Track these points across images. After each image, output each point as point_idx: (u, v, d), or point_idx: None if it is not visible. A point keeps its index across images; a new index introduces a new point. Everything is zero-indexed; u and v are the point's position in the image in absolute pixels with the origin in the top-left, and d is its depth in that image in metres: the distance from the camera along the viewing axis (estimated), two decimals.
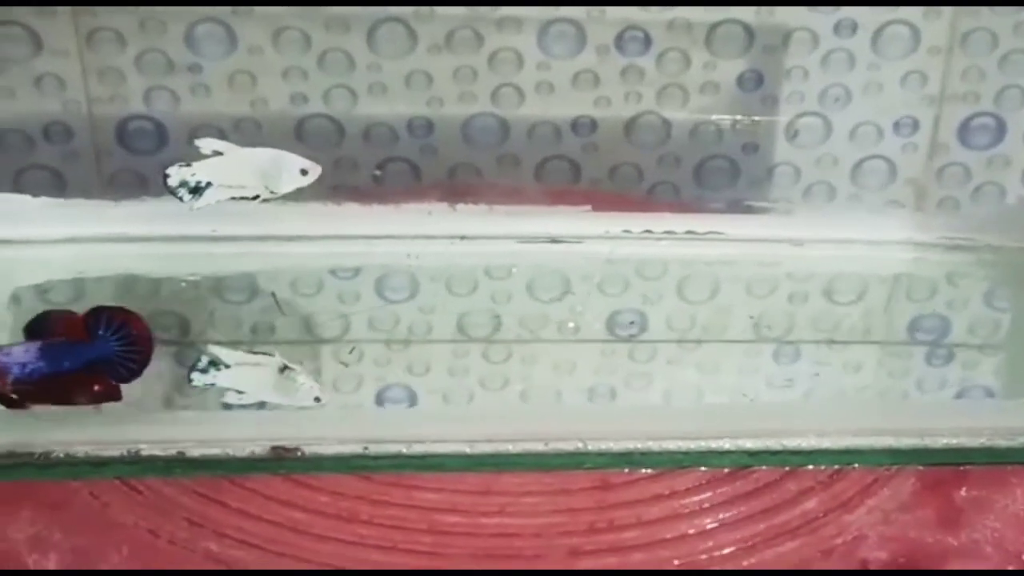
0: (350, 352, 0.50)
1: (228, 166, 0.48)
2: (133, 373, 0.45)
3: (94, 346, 0.44)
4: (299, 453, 0.39)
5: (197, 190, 0.48)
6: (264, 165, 0.48)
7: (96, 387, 0.44)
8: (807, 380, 0.70)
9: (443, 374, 0.70)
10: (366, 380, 0.70)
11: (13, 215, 0.48)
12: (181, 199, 0.47)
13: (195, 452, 0.37)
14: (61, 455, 0.36)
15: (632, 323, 0.58)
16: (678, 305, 0.68)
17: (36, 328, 0.44)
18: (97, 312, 0.44)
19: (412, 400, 0.70)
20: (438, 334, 0.69)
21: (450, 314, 0.68)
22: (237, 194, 0.48)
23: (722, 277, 0.61)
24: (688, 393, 0.69)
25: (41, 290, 0.51)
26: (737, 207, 0.61)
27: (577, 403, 0.55)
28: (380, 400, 0.70)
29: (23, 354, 0.42)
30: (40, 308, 0.48)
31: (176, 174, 0.48)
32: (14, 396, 0.42)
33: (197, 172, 0.48)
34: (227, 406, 0.49)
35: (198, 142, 0.48)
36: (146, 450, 0.37)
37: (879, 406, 0.51)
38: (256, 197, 0.48)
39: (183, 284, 0.54)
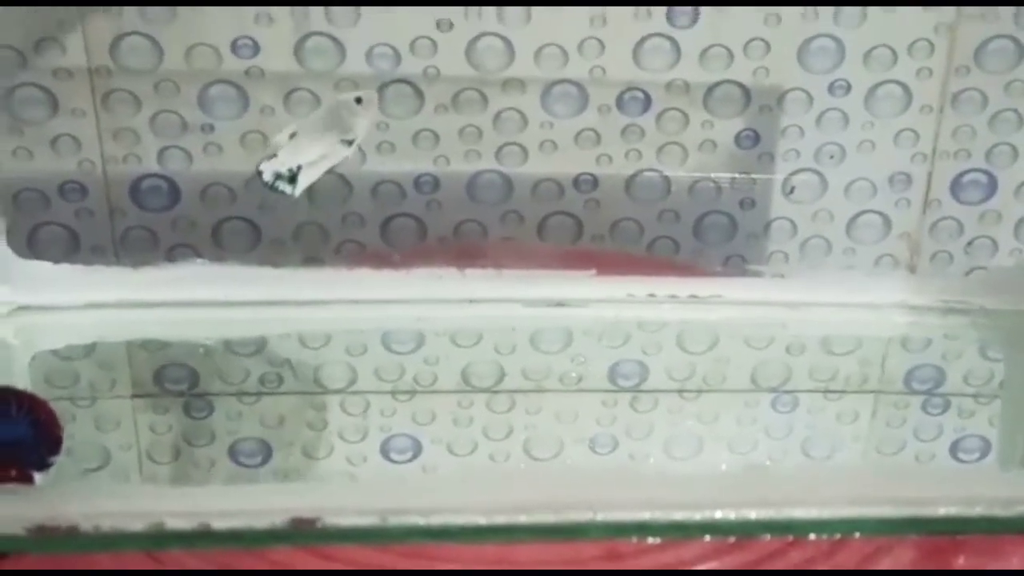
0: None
1: (305, 142, 0.49)
2: (42, 462, 0.43)
3: (6, 427, 0.42)
4: (318, 524, 0.40)
5: (293, 178, 0.49)
6: (327, 122, 0.49)
7: (12, 472, 0.41)
8: (804, 430, 0.71)
9: (448, 424, 0.71)
10: (371, 430, 0.71)
11: (34, 281, 0.49)
12: (283, 192, 0.48)
13: (219, 524, 0.38)
14: (89, 529, 0.37)
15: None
16: (678, 356, 0.70)
17: None
18: (6, 392, 0.43)
19: (417, 450, 0.71)
20: (443, 385, 0.70)
21: (454, 365, 0.70)
22: (326, 165, 0.49)
23: (721, 332, 0.63)
24: (689, 443, 0.71)
25: (61, 355, 0.52)
26: (738, 270, 0.63)
27: (584, 465, 0.57)
28: (385, 450, 0.71)
29: None
30: (59, 372, 0.49)
31: (268, 169, 0.49)
32: None
33: (284, 159, 0.48)
34: (243, 465, 0.50)
35: (276, 137, 0.49)
36: (171, 523, 0.38)
37: (878, 473, 0.53)
38: (344, 159, 0.49)
39: (201, 350, 0.56)
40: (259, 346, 0.62)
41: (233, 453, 0.69)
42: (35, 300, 0.46)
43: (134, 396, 0.60)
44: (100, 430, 0.60)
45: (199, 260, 0.57)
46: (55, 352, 0.53)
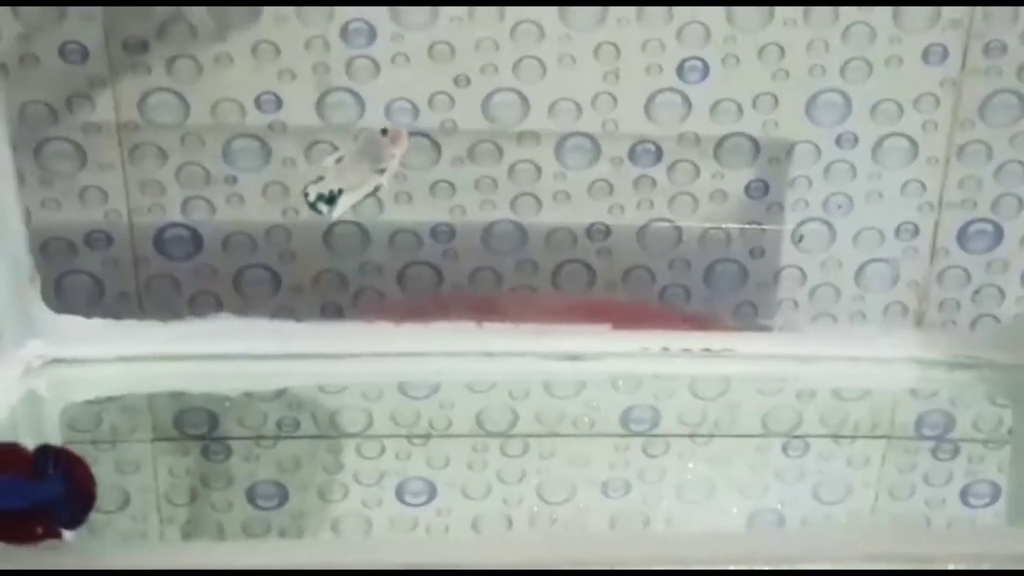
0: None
1: (347, 167, 0.51)
2: (75, 520, 0.44)
3: (43, 486, 0.43)
4: None
5: (332, 200, 0.51)
6: (364, 152, 0.52)
7: (39, 529, 0.42)
8: (815, 475, 0.72)
9: (462, 467, 0.72)
10: (388, 473, 0.72)
11: (65, 334, 0.50)
12: (321, 212, 0.50)
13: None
14: None
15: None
16: (690, 402, 0.71)
17: None
18: (46, 451, 0.43)
19: (431, 493, 0.72)
20: (457, 429, 0.71)
21: (469, 410, 0.71)
22: (360, 195, 0.51)
23: (733, 380, 0.64)
24: (700, 487, 0.72)
25: (90, 406, 0.54)
26: (749, 323, 0.64)
27: (596, 508, 0.58)
28: (400, 493, 0.72)
29: None
30: (88, 422, 0.50)
31: (314, 191, 0.51)
32: None
33: (328, 182, 0.51)
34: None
35: (325, 161, 0.52)
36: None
37: (889, 530, 0.54)
38: (377, 189, 0.52)
39: (227, 403, 0.57)
40: (279, 395, 0.63)
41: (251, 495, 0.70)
42: (67, 353, 0.47)
43: (155, 440, 0.62)
44: (122, 473, 0.62)
45: (223, 314, 0.59)
46: (85, 403, 0.55)
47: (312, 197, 0.52)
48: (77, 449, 0.48)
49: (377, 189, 0.53)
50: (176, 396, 0.57)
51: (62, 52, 0.60)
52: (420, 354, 0.58)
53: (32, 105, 0.62)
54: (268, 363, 0.57)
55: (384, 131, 0.54)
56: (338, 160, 0.52)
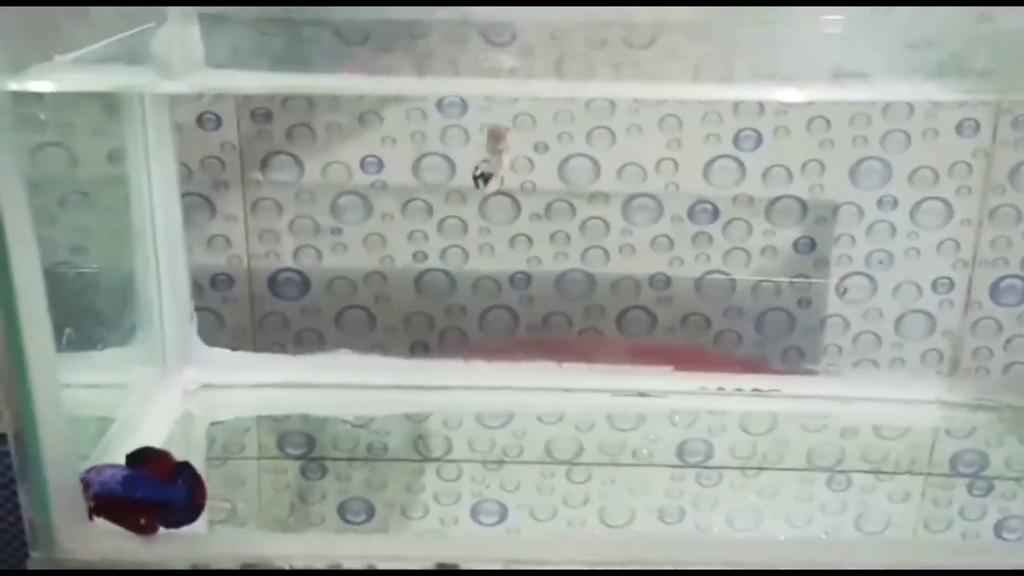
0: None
1: (491, 157, 0.60)
2: (178, 523, 0.51)
3: (170, 489, 0.50)
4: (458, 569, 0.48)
5: (485, 179, 0.59)
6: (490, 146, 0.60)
7: (142, 520, 0.50)
8: (857, 507, 0.78)
9: (532, 491, 0.79)
10: (464, 495, 0.79)
11: (215, 364, 0.59)
12: (478, 187, 0.59)
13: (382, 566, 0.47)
14: (286, 567, 0.46)
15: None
16: (741, 437, 0.77)
17: (136, 457, 0.51)
18: (185, 465, 0.51)
19: (503, 514, 0.80)
20: (528, 456, 0.78)
21: (539, 440, 0.78)
22: (498, 181, 0.59)
23: (780, 417, 0.71)
24: (750, 516, 0.78)
25: (229, 426, 0.63)
26: (796, 366, 0.71)
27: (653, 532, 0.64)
28: (475, 513, 0.80)
29: (108, 476, 0.49)
30: (230, 441, 0.59)
31: (479, 170, 0.59)
32: (91, 506, 0.48)
33: (485, 167, 0.59)
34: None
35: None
36: (347, 563, 0.47)
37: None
38: (501, 180, 0.60)
39: (348, 425, 0.66)
40: (370, 421, 0.71)
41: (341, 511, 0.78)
42: (216, 380, 0.56)
43: (294, 458, 0.71)
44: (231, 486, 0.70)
45: (344, 350, 0.67)
46: (225, 423, 0.63)
47: (477, 174, 0.60)
48: (215, 459, 0.57)
49: (502, 180, 0.62)
50: (302, 418, 0.66)
51: (200, 121, 0.70)
52: (510, 387, 0.65)
53: None
54: (382, 392, 0.65)
55: (490, 130, 0.62)
56: (495, 152, 0.61)
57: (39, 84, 0.38)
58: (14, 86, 0.36)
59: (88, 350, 0.49)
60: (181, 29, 0.48)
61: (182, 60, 0.46)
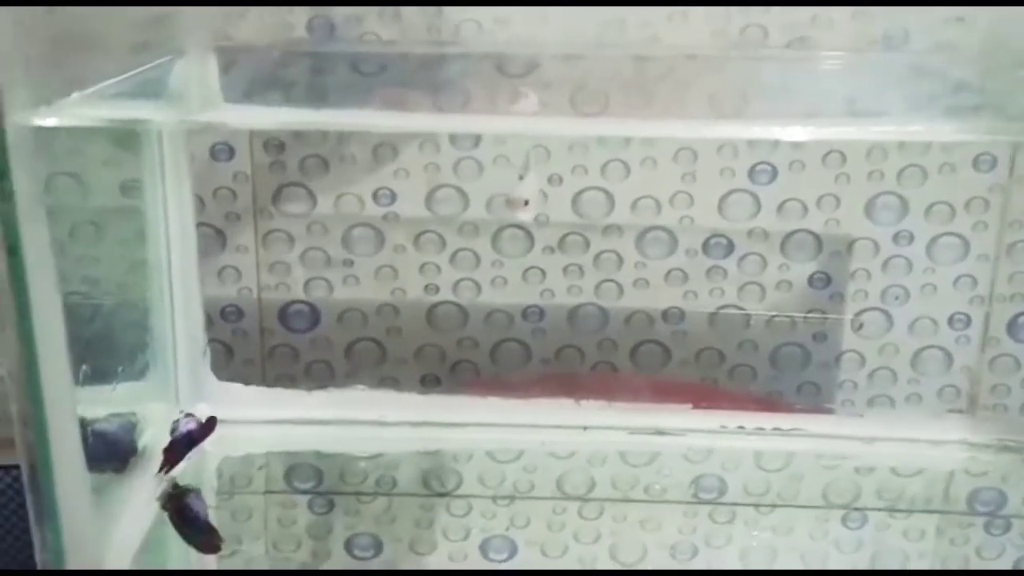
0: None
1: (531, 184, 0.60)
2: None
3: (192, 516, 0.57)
4: None
5: (527, 204, 0.59)
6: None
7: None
8: (873, 545, 0.77)
9: (542, 527, 0.78)
10: (473, 531, 0.78)
11: (228, 399, 0.59)
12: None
13: None
14: None
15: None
16: (755, 473, 0.76)
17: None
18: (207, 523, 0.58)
19: (513, 550, 0.79)
20: (539, 492, 0.77)
21: (550, 475, 0.77)
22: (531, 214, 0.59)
23: (796, 455, 0.70)
24: (764, 554, 0.77)
25: (241, 461, 0.62)
26: (816, 407, 0.71)
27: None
28: (484, 549, 0.79)
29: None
30: (238, 473, 0.59)
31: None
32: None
33: (524, 190, 0.59)
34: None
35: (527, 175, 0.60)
36: None
37: None
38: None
39: (362, 463, 0.65)
40: (378, 456, 0.71)
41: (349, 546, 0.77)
42: (228, 415, 0.55)
43: (302, 493, 0.70)
44: (237, 520, 0.70)
45: (359, 386, 0.67)
46: (237, 458, 0.63)
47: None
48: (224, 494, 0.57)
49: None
50: (313, 454, 0.65)
51: (212, 151, 0.70)
52: (526, 425, 0.64)
53: None
54: (394, 429, 0.64)
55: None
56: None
57: (59, 119, 0.38)
58: (38, 121, 0.36)
59: (102, 384, 0.48)
60: (199, 63, 0.48)
61: (199, 95, 0.46)
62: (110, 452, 0.53)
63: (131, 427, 0.55)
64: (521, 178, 0.60)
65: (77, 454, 0.39)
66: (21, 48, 0.36)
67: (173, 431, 0.58)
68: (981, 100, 0.48)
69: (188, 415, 0.59)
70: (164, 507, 0.55)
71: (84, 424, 0.45)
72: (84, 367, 0.41)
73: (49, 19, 0.39)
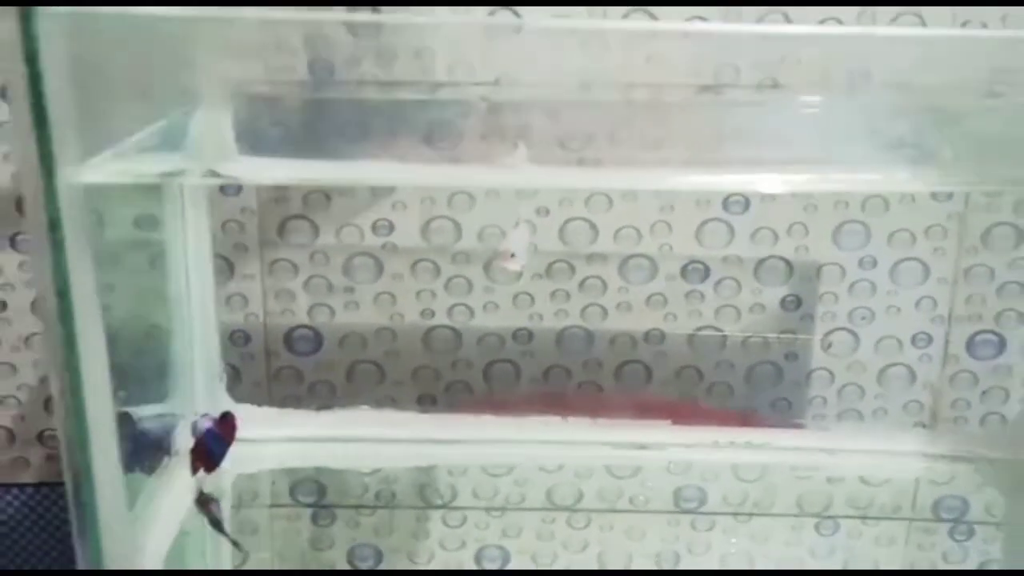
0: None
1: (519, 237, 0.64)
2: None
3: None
4: None
5: (514, 256, 0.63)
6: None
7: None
8: (845, 551, 0.81)
9: (532, 537, 0.83)
10: (468, 541, 0.83)
11: (241, 421, 0.63)
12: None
13: None
14: None
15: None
16: (733, 484, 0.81)
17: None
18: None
19: (506, 559, 0.83)
20: (529, 503, 0.82)
21: (540, 487, 0.81)
22: (519, 265, 0.63)
23: (771, 467, 0.75)
24: (742, 559, 0.81)
25: (253, 478, 0.67)
26: (785, 421, 0.76)
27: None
28: (479, 558, 0.83)
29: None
30: (250, 489, 0.63)
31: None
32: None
33: (511, 243, 0.63)
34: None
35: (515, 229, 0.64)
36: None
37: None
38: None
39: (365, 478, 0.69)
40: (377, 471, 0.75)
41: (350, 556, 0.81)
42: (243, 434, 0.60)
43: (305, 506, 0.74)
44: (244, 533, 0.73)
45: (364, 406, 0.71)
46: (250, 475, 0.67)
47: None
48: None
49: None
50: (321, 471, 0.69)
51: (221, 187, 0.74)
52: (517, 440, 0.69)
53: None
54: (395, 446, 0.68)
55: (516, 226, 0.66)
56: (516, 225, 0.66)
57: (101, 176, 0.42)
58: (85, 179, 0.40)
59: (132, 407, 0.52)
60: (215, 113, 0.52)
61: (216, 146, 0.50)
62: (151, 447, 0.58)
63: (171, 427, 0.59)
64: (505, 234, 0.65)
65: (117, 471, 0.43)
66: (73, 104, 0.40)
67: (194, 431, 0.62)
68: (933, 149, 0.53)
69: (204, 414, 0.63)
70: (200, 510, 0.60)
71: (128, 420, 0.49)
72: (121, 392, 0.46)
73: (83, 73, 0.42)
